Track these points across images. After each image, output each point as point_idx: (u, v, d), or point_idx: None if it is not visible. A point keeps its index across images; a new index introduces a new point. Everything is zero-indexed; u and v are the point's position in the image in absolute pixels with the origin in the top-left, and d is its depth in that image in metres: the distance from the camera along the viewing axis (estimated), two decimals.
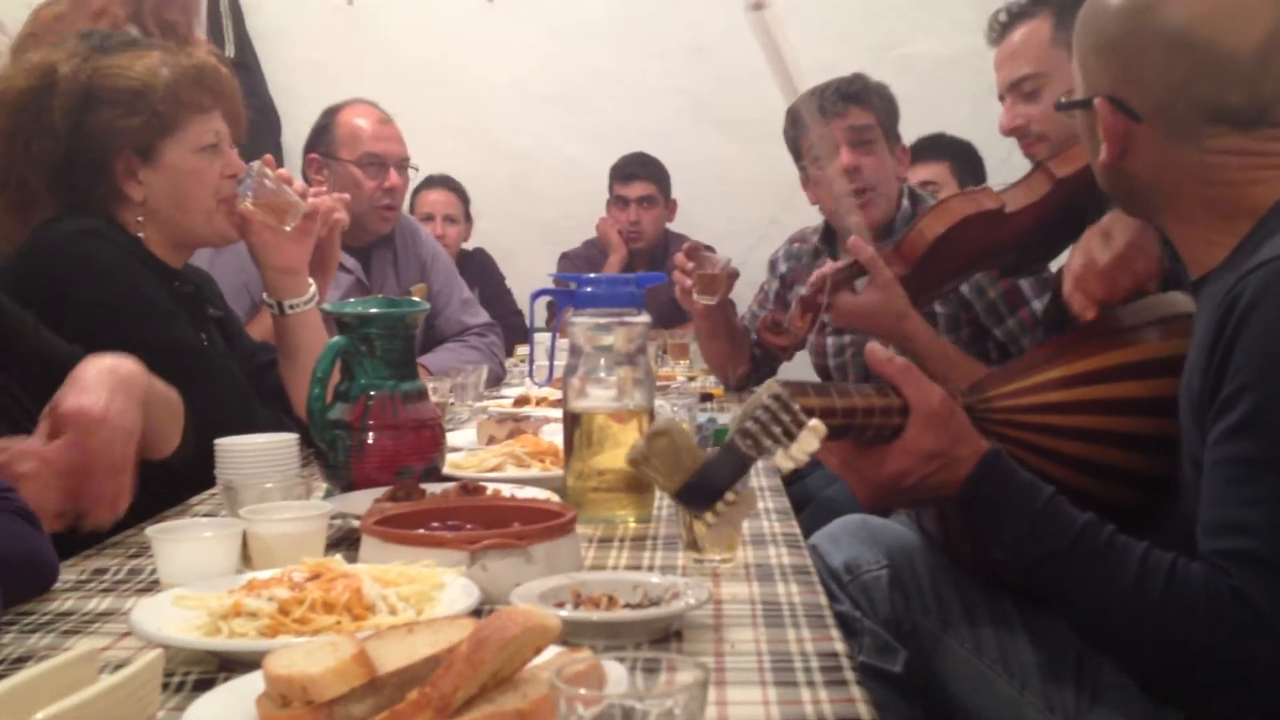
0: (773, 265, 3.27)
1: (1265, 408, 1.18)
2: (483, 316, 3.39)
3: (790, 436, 1.20)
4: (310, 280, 2.21)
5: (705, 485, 1.18)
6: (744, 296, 3.35)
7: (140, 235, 2.05)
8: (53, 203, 2.01)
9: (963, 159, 4.11)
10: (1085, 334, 1.55)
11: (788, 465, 1.20)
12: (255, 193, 2.13)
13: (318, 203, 2.24)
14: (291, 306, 2.16)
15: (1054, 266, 2.34)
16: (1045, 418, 1.43)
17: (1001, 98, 2.29)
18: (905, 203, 2.97)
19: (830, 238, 3.08)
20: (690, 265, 2.90)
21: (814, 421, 1.20)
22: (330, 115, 3.23)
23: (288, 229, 2.14)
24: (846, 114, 2.91)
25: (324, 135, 3.21)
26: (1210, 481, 1.22)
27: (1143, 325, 1.52)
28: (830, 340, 3.00)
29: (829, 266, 2.29)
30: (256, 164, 2.15)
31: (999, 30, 2.26)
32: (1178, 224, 1.40)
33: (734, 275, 2.96)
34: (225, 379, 2.07)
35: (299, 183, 2.26)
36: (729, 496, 1.19)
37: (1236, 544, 1.17)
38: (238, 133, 2.15)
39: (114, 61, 2.02)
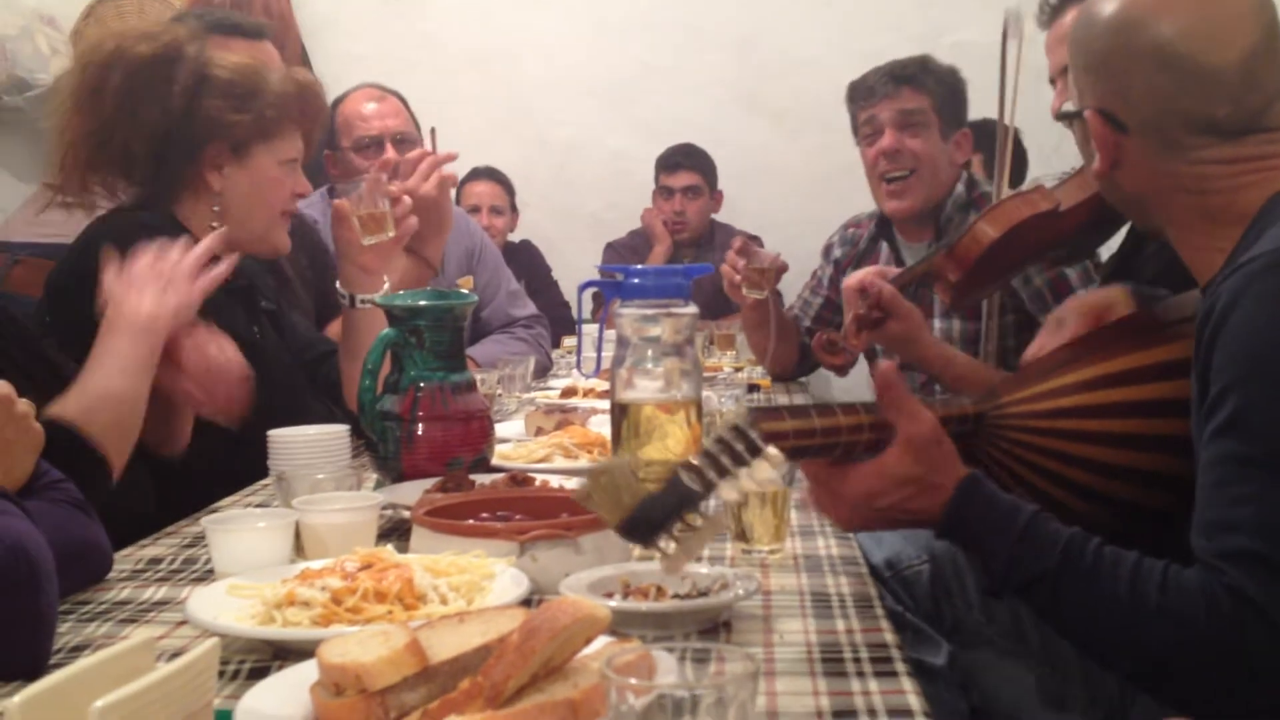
0: (827, 251, 3.25)
1: (1247, 407, 1.18)
2: (530, 308, 3.40)
3: (744, 464, 1.18)
4: (385, 280, 2.25)
5: (645, 520, 1.16)
6: (793, 286, 3.34)
7: (215, 225, 2.08)
8: (145, 172, 2.05)
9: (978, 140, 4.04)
10: (1115, 334, 1.52)
11: (733, 497, 1.18)
12: (360, 198, 2.18)
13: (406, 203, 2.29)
14: (363, 301, 2.19)
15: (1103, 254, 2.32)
16: (1063, 422, 1.40)
17: (1052, 81, 2.27)
18: (960, 188, 2.94)
19: (886, 221, 3.06)
20: (741, 262, 2.91)
21: (771, 450, 1.18)
22: (333, 108, 3.20)
23: (365, 242, 2.19)
24: (897, 96, 2.90)
25: (331, 129, 3.20)
26: (1202, 484, 1.21)
27: (1178, 323, 1.49)
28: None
29: (872, 272, 2.28)
30: (378, 174, 2.20)
31: (1049, 13, 2.24)
32: (1176, 232, 1.41)
33: (782, 269, 2.96)
34: (277, 371, 2.09)
35: (406, 202, 2.28)
36: (694, 520, 1.17)
37: (1228, 543, 1.16)
38: (307, 155, 2.21)
39: (232, 55, 2.09)
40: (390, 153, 3.09)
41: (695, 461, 1.17)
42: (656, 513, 1.15)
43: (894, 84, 2.90)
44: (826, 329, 2.82)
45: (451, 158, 2.50)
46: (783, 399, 2.78)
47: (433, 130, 2.78)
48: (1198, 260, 1.38)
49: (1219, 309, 1.22)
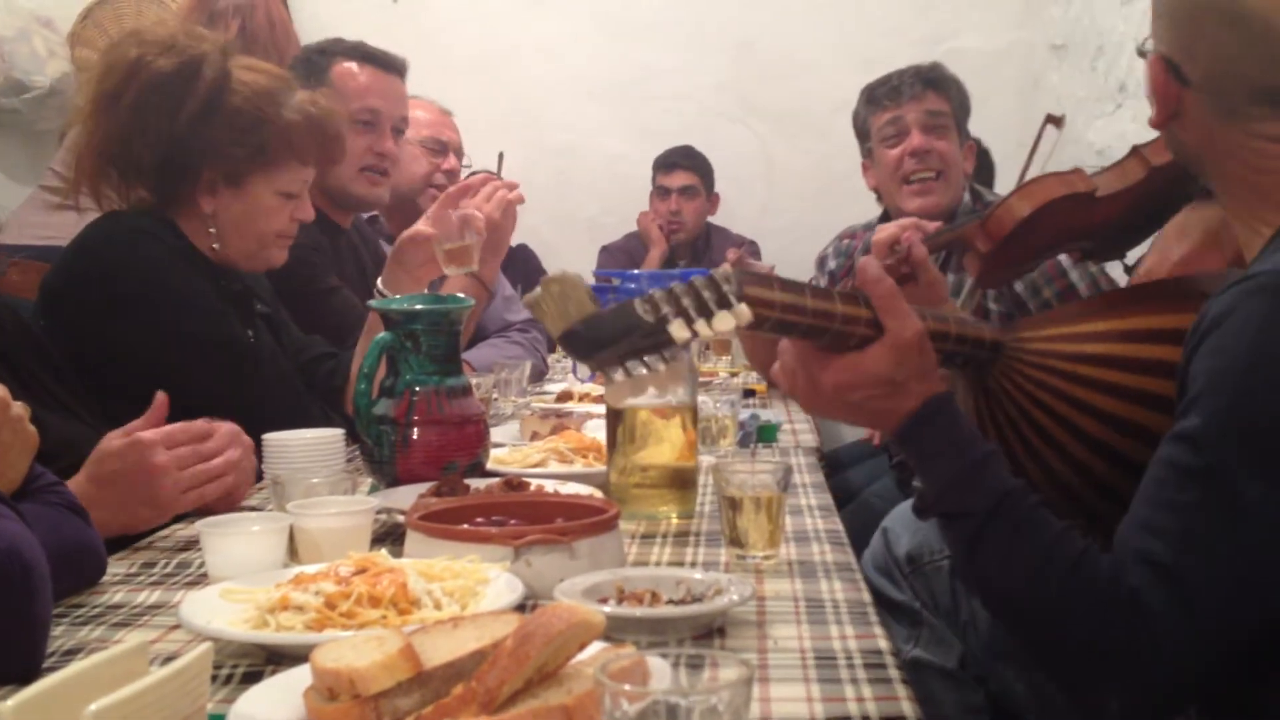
0: (821, 262, 3.25)
1: (1210, 420, 1.16)
2: (524, 313, 3.40)
3: (706, 312, 1.16)
4: (425, 289, 2.27)
5: (587, 336, 1.17)
6: None
7: (213, 233, 2.07)
8: (149, 184, 2.05)
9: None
10: (1156, 290, 1.48)
11: (682, 335, 1.16)
12: (446, 232, 2.18)
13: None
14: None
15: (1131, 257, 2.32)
16: (1084, 368, 1.37)
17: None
18: (966, 196, 2.95)
19: None
20: None
21: (742, 307, 1.16)
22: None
23: (448, 272, 2.20)
24: (924, 98, 2.90)
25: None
26: (1146, 477, 1.21)
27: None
28: None
29: (902, 229, 2.24)
30: (463, 206, 2.22)
31: None
32: (1227, 200, 1.37)
33: None
34: (273, 375, 2.09)
35: (482, 227, 2.27)
36: (653, 363, 1.17)
37: (1146, 546, 1.15)
38: (326, 173, 2.24)
39: (246, 75, 2.06)
40: (452, 162, 3.19)
41: (655, 294, 1.16)
42: (599, 332, 1.16)
43: (921, 85, 2.90)
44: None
45: (514, 185, 2.53)
46: (779, 404, 2.78)
47: (500, 155, 2.85)
48: (1243, 234, 1.34)
49: (1209, 318, 1.20)
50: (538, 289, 1.21)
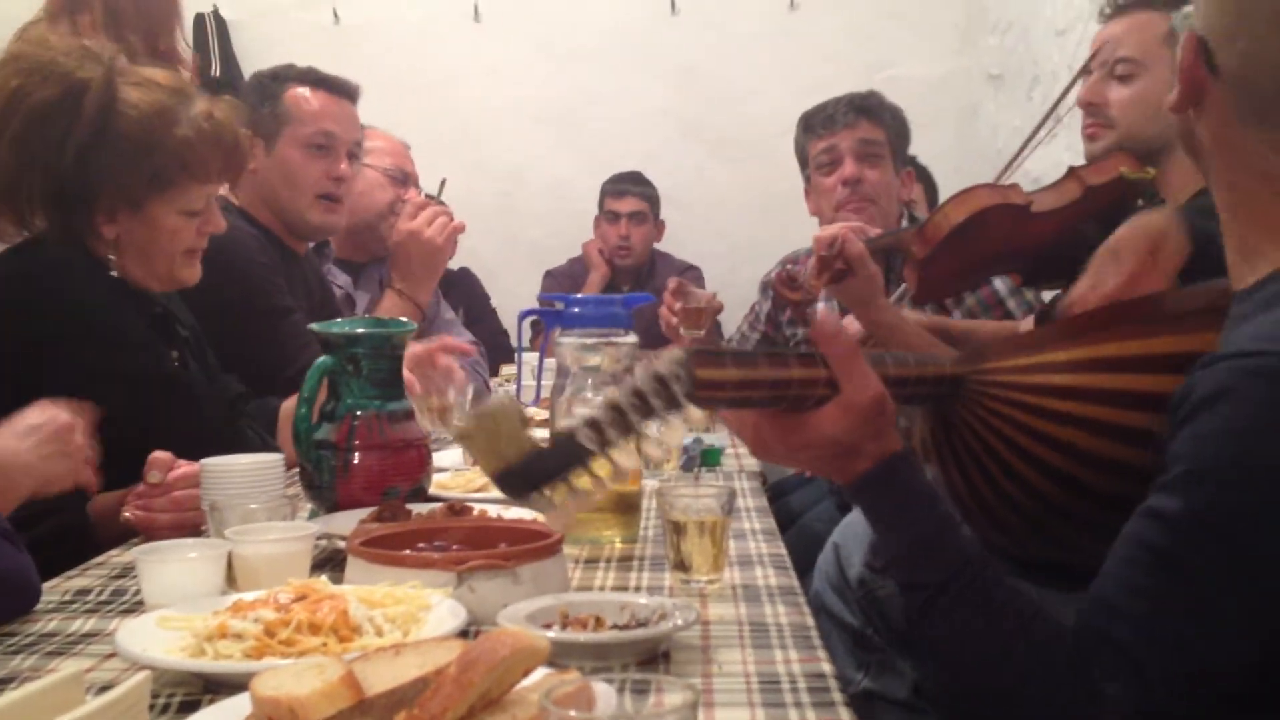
0: (764, 287, 3.28)
1: (1189, 510, 1.10)
2: (468, 335, 3.40)
3: (656, 419, 1.09)
4: None
5: (525, 475, 1.09)
6: (733, 317, 3.36)
7: (111, 257, 2.01)
8: (45, 218, 1.99)
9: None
10: (1121, 315, 1.40)
11: (630, 464, 1.10)
12: (433, 387, 2.15)
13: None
14: None
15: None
16: (1050, 402, 1.30)
17: (1088, 70, 2.27)
18: (905, 224, 2.99)
19: None
20: (677, 305, 2.92)
21: (692, 409, 1.10)
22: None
23: (423, 420, 2.00)
24: (856, 126, 2.94)
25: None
26: (1115, 550, 1.15)
27: (1192, 314, 1.33)
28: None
29: (843, 228, 2.26)
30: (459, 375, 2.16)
31: (1115, 8, 2.19)
32: (1227, 213, 1.27)
33: (718, 309, 2.98)
34: (205, 400, 2.06)
35: (461, 384, 2.22)
36: (583, 481, 1.11)
37: (1112, 629, 1.12)
38: (235, 179, 2.14)
39: (134, 95, 1.95)
40: (412, 193, 3.27)
41: (598, 416, 1.10)
42: (539, 468, 1.10)
43: (854, 114, 2.95)
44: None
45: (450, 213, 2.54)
46: (722, 429, 2.79)
47: (443, 181, 2.85)
48: (1234, 257, 1.27)
49: (1198, 394, 1.12)
50: (471, 418, 1.13)
